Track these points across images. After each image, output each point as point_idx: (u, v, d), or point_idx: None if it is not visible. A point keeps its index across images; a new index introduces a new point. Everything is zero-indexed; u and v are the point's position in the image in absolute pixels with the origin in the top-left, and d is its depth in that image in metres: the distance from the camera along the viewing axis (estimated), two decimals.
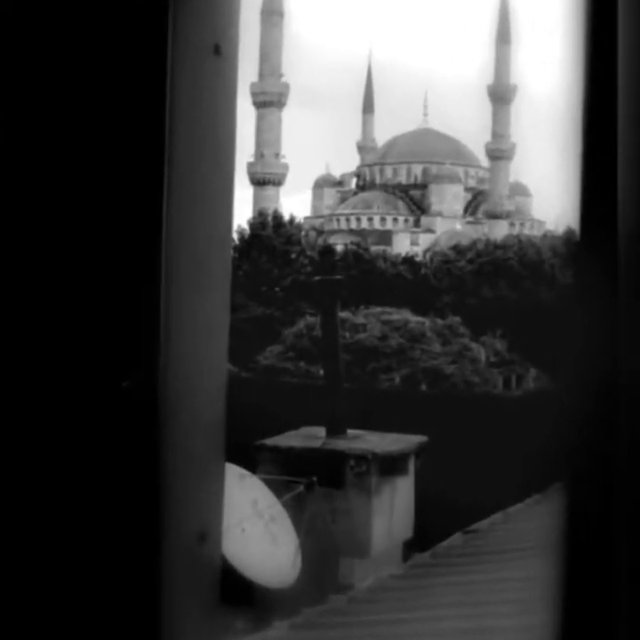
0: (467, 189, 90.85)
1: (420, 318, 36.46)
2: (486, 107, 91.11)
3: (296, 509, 5.99)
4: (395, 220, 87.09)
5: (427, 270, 46.76)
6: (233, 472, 5.33)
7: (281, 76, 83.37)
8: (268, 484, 5.89)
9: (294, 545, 5.64)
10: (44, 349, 1.23)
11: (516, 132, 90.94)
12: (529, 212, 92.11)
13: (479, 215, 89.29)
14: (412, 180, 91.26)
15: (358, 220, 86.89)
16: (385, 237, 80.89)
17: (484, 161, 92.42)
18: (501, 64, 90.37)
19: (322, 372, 10.76)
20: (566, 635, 1.15)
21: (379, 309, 36.35)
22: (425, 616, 4.82)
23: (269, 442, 7.18)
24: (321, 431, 7.35)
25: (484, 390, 32.20)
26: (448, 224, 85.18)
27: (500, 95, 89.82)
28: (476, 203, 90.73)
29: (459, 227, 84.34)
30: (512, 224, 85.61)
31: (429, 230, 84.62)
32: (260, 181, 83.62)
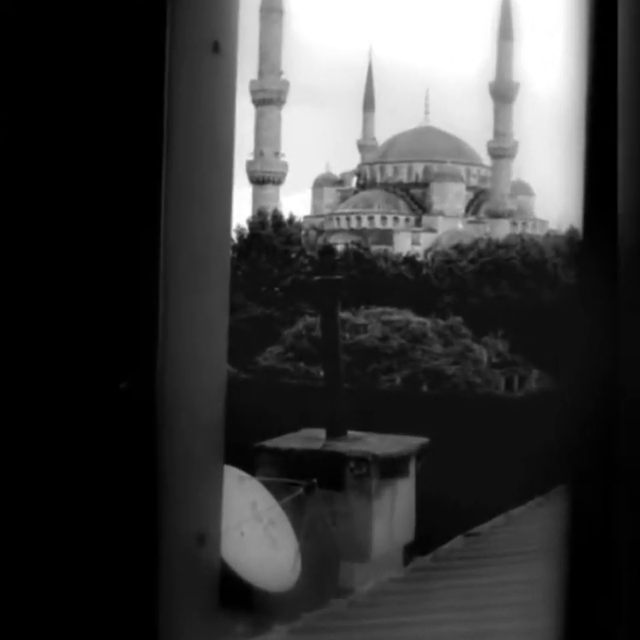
0: (468, 188, 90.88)
1: (421, 319, 36.47)
2: (488, 104, 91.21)
3: (296, 512, 5.98)
4: (395, 219, 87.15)
5: (428, 270, 46.79)
6: (232, 474, 5.32)
7: (280, 73, 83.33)
8: (268, 486, 5.88)
9: (294, 548, 5.63)
10: (41, 349, 1.23)
11: (518, 130, 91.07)
12: (531, 211, 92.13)
13: (481, 214, 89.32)
14: (413, 179, 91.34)
15: (359, 219, 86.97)
16: (386, 237, 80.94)
17: (486, 159, 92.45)
18: (503, 61, 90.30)
19: (322, 373, 10.76)
20: (569, 638, 1.14)
21: (379, 310, 36.36)
22: (426, 620, 4.82)
23: (269, 444, 7.17)
24: (321, 433, 7.34)
25: (486, 391, 32.20)
26: (449, 223, 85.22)
27: (502, 93, 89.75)
28: (477, 202, 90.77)
29: (460, 226, 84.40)
30: (514, 223, 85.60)
31: (431, 230, 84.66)
32: (260, 180, 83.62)
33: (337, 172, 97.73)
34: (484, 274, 44.67)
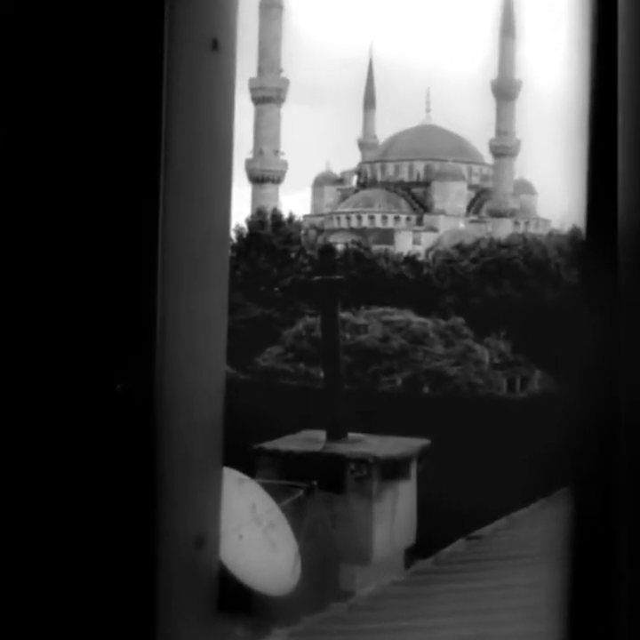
0: (470, 187, 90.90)
1: (422, 319, 36.49)
2: (490, 102, 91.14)
3: (295, 515, 5.97)
4: (396, 218, 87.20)
5: (429, 270, 46.81)
6: (231, 476, 5.31)
7: (280, 71, 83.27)
8: (267, 488, 5.86)
9: (294, 551, 5.61)
10: (38, 349, 1.23)
11: (520, 129, 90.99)
12: (534, 210, 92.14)
13: (483, 213, 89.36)
14: (414, 178, 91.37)
15: (359, 218, 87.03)
16: (386, 236, 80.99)
17: (488, 158, 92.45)
18: (505, 59, 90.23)
19: (322, 374, 10.75)
20: None
21: (380, 310, 36.38)
22: (427, 624, 4.81)
23: (268, 445, 7.16)
24: (321, 434, 7.33)
25: (488, 392, 32.22)
26: (451, 223, 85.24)
27: (505, 90, 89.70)
28: (479, 201, 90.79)
29: (462, 225, 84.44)
30: (516, 222, 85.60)
31: (432, 229, 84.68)
32: (259, 179, 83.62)
33: (337, 170, 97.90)
34: (485, 274, 44.67)
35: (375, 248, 53.40)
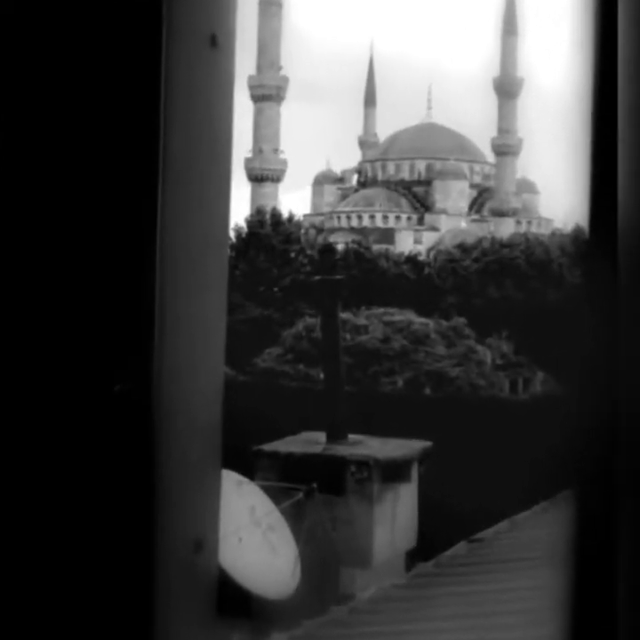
0: (472, 186, 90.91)
1: (423, 319, 36.49)
2: (492, 100, 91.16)
3: (295, 517, 5.96)
4: (397, 217, 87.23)
5: (430, 270, 46.83)
6: (230, 478, 5.29)
7: (280, 68, 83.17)
8: (267, 490, 5.84)
9: (293, 554, 5.60)
10: (36, 351, 1.23)
11: (522, 127, 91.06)
12: (536, 209, 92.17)
13: (485, 213, 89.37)
14: (415, 177, 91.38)
15: (359, 217, 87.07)
16: (387, 236, 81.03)
17: (490, 156, 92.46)
18: (507, 56, 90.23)
19: (322, 375, 10.75)
20: None
21: (381, 310, 36.39)
22: (428, 627, 4.81)
23: (268, 447, 7.16)
24: (321, 436, 7.33)
25: (490, 394, 32.20)
26: (452, 222, 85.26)
27: (507, 88, 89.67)
28: (481, 200, 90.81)
29: (464, 224, 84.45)
30: (519, 222, 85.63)
31: (433, 228, 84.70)
32: (258, 178, 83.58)
33: (337, 169, 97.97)
34: (487, 273, 44.68)
35: (376, 247, 53.46)
